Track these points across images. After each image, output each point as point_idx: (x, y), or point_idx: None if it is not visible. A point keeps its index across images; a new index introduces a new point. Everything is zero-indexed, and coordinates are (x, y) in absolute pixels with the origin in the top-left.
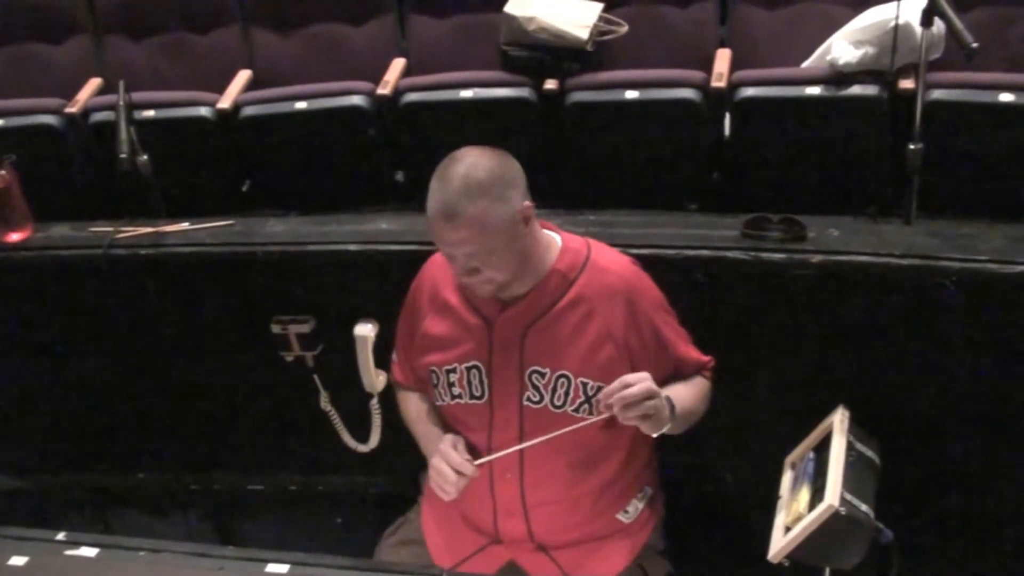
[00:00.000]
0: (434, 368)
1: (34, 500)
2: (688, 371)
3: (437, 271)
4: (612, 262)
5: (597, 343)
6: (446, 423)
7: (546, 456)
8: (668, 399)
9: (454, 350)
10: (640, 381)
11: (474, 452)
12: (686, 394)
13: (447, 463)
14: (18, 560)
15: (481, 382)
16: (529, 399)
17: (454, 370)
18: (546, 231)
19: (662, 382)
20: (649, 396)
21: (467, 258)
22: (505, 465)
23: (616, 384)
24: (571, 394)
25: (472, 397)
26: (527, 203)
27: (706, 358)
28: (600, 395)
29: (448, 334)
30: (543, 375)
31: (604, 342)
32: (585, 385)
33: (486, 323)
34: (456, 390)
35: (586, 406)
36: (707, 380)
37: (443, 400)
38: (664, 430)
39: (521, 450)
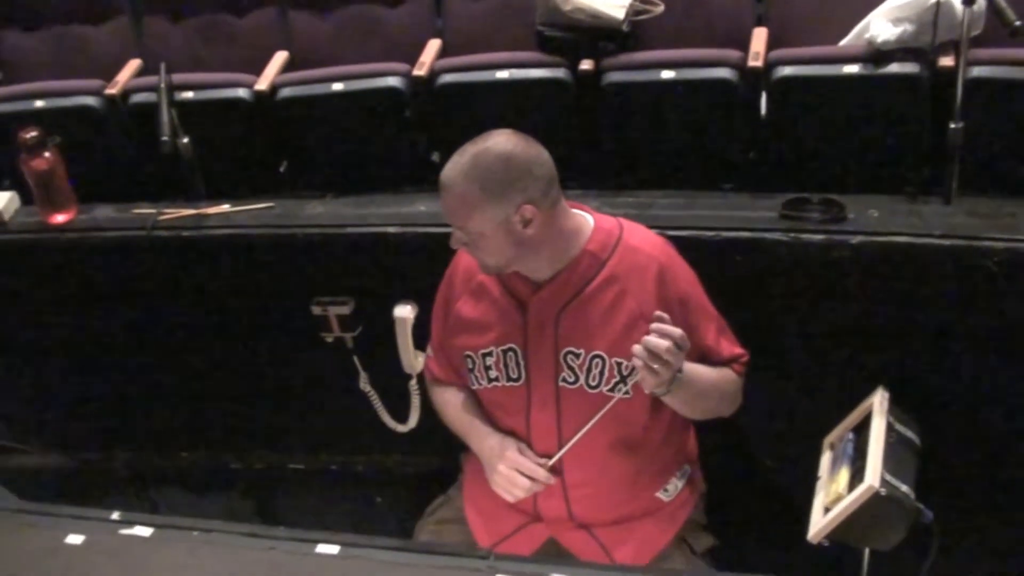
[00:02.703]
0: (469, 353)
1: (79, 478)
2: (716, 360)
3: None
4: (644, 242)
5: (630, 323)
6: (484, 412)
7: (586, 437)
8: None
9: (489, 333)
10: (677, 332)
11: (513, 435)
12: (702, 374)
13: (520, 469)
14: (75, 539)
15: (517, 364)
16: (565, 380)
17: (490, 353)
18: (578, 212)
19: None
20: (676, 346)
21: (455, 230)
22: (544, 448)
23: (661, 326)
24: (606, 374)
25: (509, 380)
26: (528, 207)
27: (739, 351)
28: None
29: (482, 317)
30: (578, 356)
31: (637, 321)
32: (619, 365)
33: (520, 305)
34: (493, 373)
35: (621, 385)
36: (735, 374)
37: (479, 384)
38: (661, 392)
39: (559, 432)
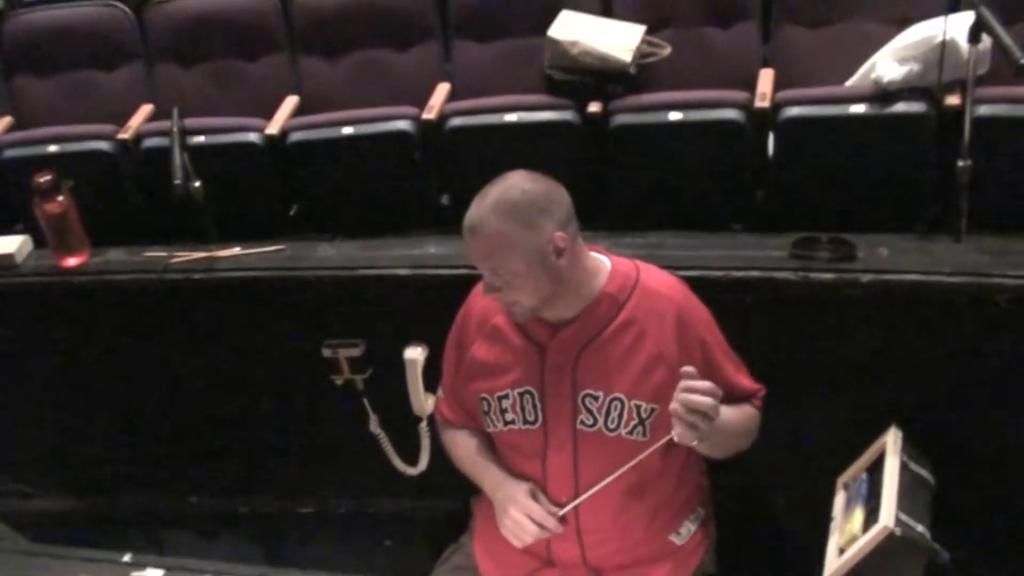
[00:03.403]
0: (485, 395)
1: (89, 521)
2: (736, 397)
3: (485, 298)
4: (662, 284)
5: (649, 365)
6: (498, 454)
7: (601, 482)
8: None
9: (505, 376)
10: (717, 393)
11: (527, 479)
12: (728, 415)
13: (530, 515)
14: None
15: (535, 407)
16: (583, 423)
17: (507, 396)
18: (595, 254)
19: None
20: (712, 408)
21: (490, 274)
22: (560, 492)
23: (702, 383)
24: (624, 417)
25: (526, 423)
26: (560, 234)
27: (756, 386)
28: (682, 376)
29: (498, 360)
30: (596, 398)
31: (656, 364)
32: (639, 408)
33: (538, 348)
34: (509, 416)
35: (640, 428)
36: (755, 409)
37: (495, 427)
38: (696, 443)
39: (576, 475)
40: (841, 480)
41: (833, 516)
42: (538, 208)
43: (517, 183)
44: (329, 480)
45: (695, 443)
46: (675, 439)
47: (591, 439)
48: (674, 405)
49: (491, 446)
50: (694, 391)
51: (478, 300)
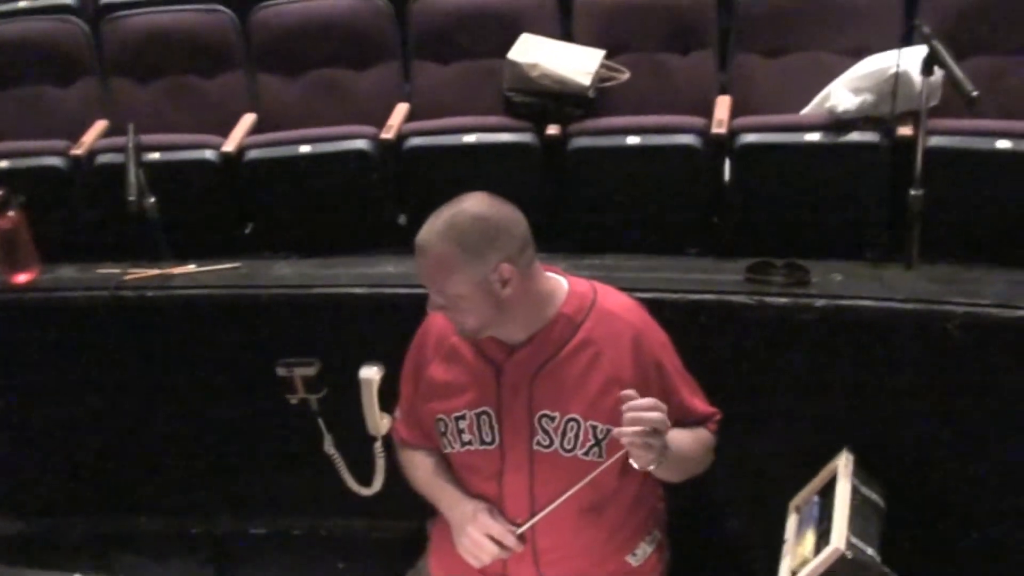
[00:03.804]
0: (442, 416)
1: (36, 543)
2: (691, 421)
3: (442, 317)
4: (618, 305)
5: (605, 387)
6: (455, 475)
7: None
8: None
9: (462, 396)
10: (661, 408)
11: (484, 499)
12: (683, 439)
13: (489, 534)
14: None
15: (491, 427)
16: (539, 443)
17: (463, 416)
18: (552, 275)
19: None
20: (661, 423)
21: (434, 292)
22: (516, 512)
23: (642, 400)
24: (581, 438)
25: (483, 443)
26: (506, 265)
27: (712, 410)
28: (623, 400)
29: (455, 380)
30: (552, 419)
31: (612, 385)
32: (595, 429)
33: (494, 368)
34: (466, 436)
35: (596, 449)
36: (710, 433)
37: (452, 447)
38: (652, 467)
39: (532, 495)
40: (793, 503)
41: (785, 539)
42: (487, 238)
43: (470, 208)
44: (282, 500)
45: (652, 467)
46: (634, 466)
47: (547, 460)
48: (622, 430)
49: (448, 467)
50: (638, 409)
51: (436, 320)
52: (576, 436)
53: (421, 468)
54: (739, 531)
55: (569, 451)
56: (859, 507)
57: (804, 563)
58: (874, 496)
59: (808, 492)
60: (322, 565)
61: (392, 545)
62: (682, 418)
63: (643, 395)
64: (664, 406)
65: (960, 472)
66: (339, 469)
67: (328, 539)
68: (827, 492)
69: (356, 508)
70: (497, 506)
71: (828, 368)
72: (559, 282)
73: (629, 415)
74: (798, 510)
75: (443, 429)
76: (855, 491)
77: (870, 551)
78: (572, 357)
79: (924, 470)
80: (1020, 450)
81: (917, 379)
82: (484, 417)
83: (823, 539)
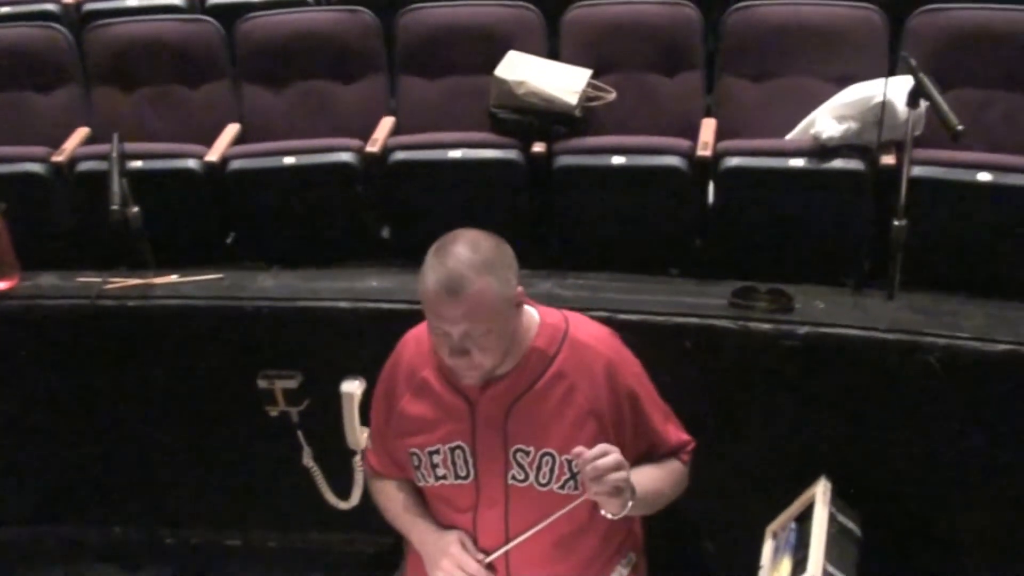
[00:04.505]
0: (415, 450)
1: (10, 552)
2: (663, 451)
3: (412, 350)
4: (591, 336)
5: (580, 420)
6: (427, 506)
7: (531, 536)
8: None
9: (436, 431)
10: (611, 451)
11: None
12: (652, 477)
13: (461, 568)
14: None
15: (466, 462)
16: (514, 477)
17: (437, 451)
18: (525, 307)
19: (636, 459)
20: (618, 467)
21: (462, 337)
22: (490, 546)
23: (591, 452)
24: (556, 472)
25: (457, 477)
26: (520, 289)
27: (685, 438)
28: (575, 459)
29: (428, 415)
30: (527, 453)
31: (587, 419)
32: (570, 463)
33: (467, 403)
34: (440, 471)
35: (572, 483)
36: (682, 464)
37: (426, 481)
38: (624, 513)
39: (506, 529)
40: (770, 528)
41: (761, 564)
42: (504, 263)
43: (478, 239)
44: (259, 512)
45: (625, 510)
46: (609, 517)
47: (523, 494)
48: (590, 484)
49: (419, 498)
50: (591, 460)
51: (407, 350)
52: (551, 470)
53: (392, 499)
54: (716, 555)
55: (544, 485)
56: (836, 536)
57: None
58: (851, 524)
59: (785, 518)
60: None
61: (369, 559)
62: (654, 449)
63: (616, 427)
64: (615, 448)
65: (937, 506)
66: (318, 482)
67: (304, 552)
68: (804, 519)
69: (334, 522)
70: (471, 537)
71: (809, 395)
72: (531, 314)
73: (587, 470)
74: (775, 536)
75: (417, 463)
76: (832, 519)
77: None
78: (546, 391)
79: (901, 500)
80: (998, 483)
81: (897, 409)
82: (458, 452)
83: (799, 567)
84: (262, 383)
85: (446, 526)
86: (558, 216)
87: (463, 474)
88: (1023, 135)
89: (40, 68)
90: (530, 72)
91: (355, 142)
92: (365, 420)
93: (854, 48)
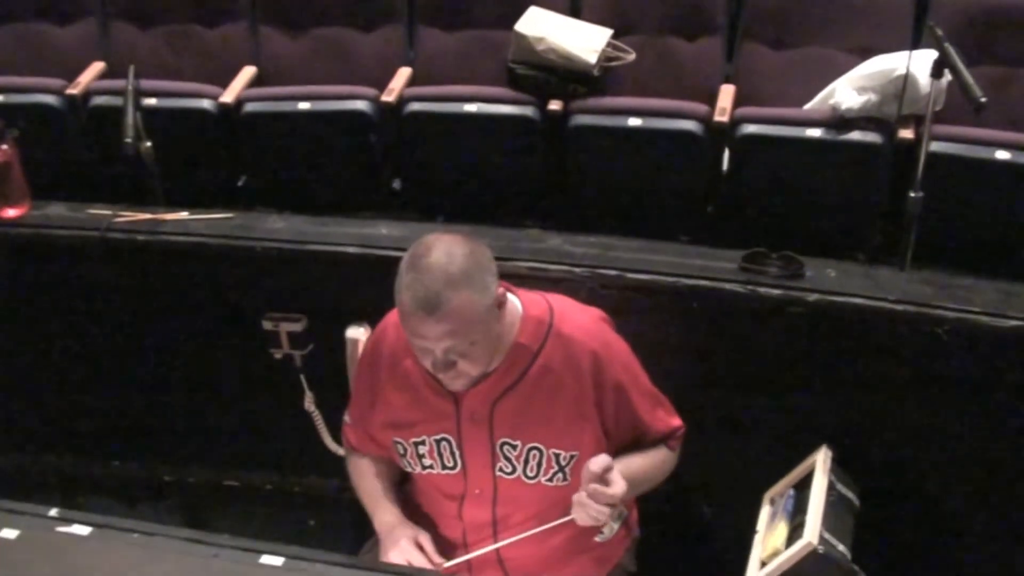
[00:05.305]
0: (399, 440)
1: (7, 480)
2: (650, 439)
3: (392, 336)
4: (576, 328)
5: (567, 413)
6: (408, 491)
7: (520, 522)
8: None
9: (420, 424)
10: (616, 484)
11: (446, 519)
12: (637, 466)
13: (410, 562)
14: (9, 533)
15: (452, 454)
16: (502, 470)
17: (423, 442)
18: (509, 295)
19: (621, 448)
20: (593, 476)
21: (445, 353)
22: (478, 534)
23: (595, 470)
24: (543, 465)
25: (444, 468)
26: (500, 289)
27: (675, 424)
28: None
29: (412, 406)
30: (514, 447)
31: (573, 411)
32: (558, 456)
33: (452, 397)
34: (427, 461)
35: (560, 475)
36: (670, 451)
37: (413, 469)
38: (617, 523)
39: (494, 516)
40: (768, 494)
41: (757, 529)
42: (482, 268)
43: (451, 249)
44: (258, 455)
45: (617, 522)
46: (608, 532)
47: (511, 485)
48: (582, 514)
49: (391, 480)
50: (587, 486)
51: (390, 334)
52: (539, 464)
53: (365, 478)
54: (711, 517)
55: (532, 478)
56: (834, 504)
57: (775, 554)
58: (849, 495)
59: (784, 485)
60: (292, 521)
61: (362, 507)
62: (641, 437)
63: (605, 416)
64: (607, 457)
65: (937, 479)
66: (318, 427)
67: (300, 496)
68: (803, 486)
69: (331, 468)
70: (459, 524)
71: (814, 363)
72: (514, 306)
73: (585, 500)
74: (772, 502)
75: (402, 452)
76: (831, 487)
77: (841, 548)
78: (531, 386)
79: (902, 472)
80: (999, 457)
81: (903, 380)
82: (445, 443)
83: (796, 532)
84: (267, 325)
85: (435, 510)
86: (571, 175)
87: (450, 464)
88: None
89: (58, 1)
90: (550, 28)
91: (371, 91)
92: None
93: (878, 19)
